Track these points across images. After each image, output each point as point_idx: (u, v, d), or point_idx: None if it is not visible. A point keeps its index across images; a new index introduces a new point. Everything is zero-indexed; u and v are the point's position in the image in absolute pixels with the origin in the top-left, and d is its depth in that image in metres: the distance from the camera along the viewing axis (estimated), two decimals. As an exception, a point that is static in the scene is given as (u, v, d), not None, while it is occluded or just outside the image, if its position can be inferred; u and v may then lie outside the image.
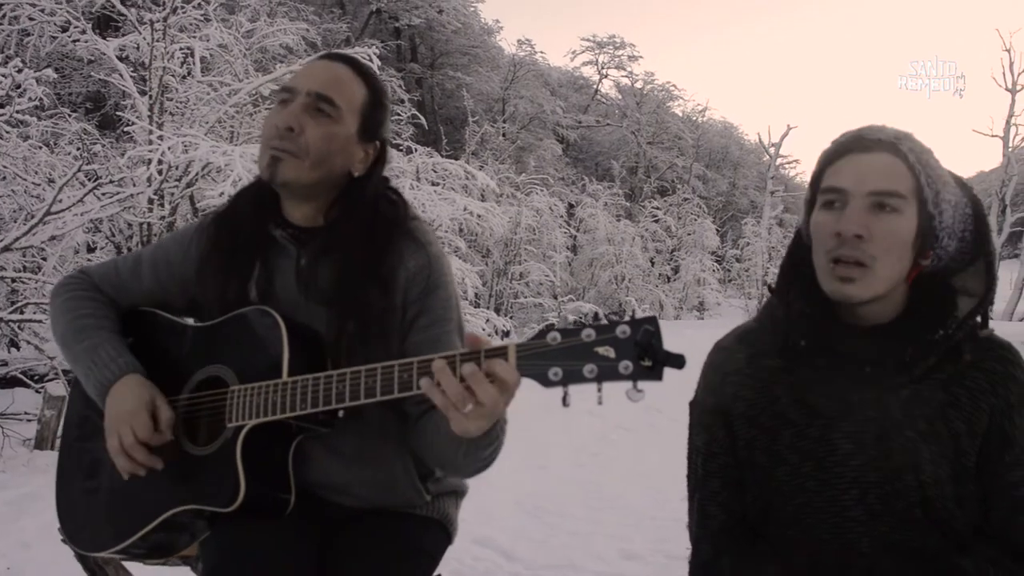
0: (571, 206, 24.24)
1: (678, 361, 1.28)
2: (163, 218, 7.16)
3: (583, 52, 40.44)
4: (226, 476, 1.59)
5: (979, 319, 1.54)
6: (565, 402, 1.30)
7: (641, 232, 24.95)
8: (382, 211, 1.81)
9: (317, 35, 17.97)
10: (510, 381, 1.33)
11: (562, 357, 1.30)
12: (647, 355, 1.26)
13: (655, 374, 1.26)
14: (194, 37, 8.59)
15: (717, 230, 30.32)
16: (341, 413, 1.57)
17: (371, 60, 7.48)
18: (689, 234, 27.88)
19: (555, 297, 18.73)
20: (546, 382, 1.30)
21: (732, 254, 31.84)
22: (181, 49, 8.62)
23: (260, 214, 1.82)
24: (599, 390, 1.29)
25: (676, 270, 27.42)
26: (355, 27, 28.76)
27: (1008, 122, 21.11)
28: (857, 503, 1.53)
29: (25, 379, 6.90)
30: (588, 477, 5.85)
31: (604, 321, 1.31)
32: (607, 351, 1.28)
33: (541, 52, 38.86)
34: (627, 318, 1.30)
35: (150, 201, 6.92)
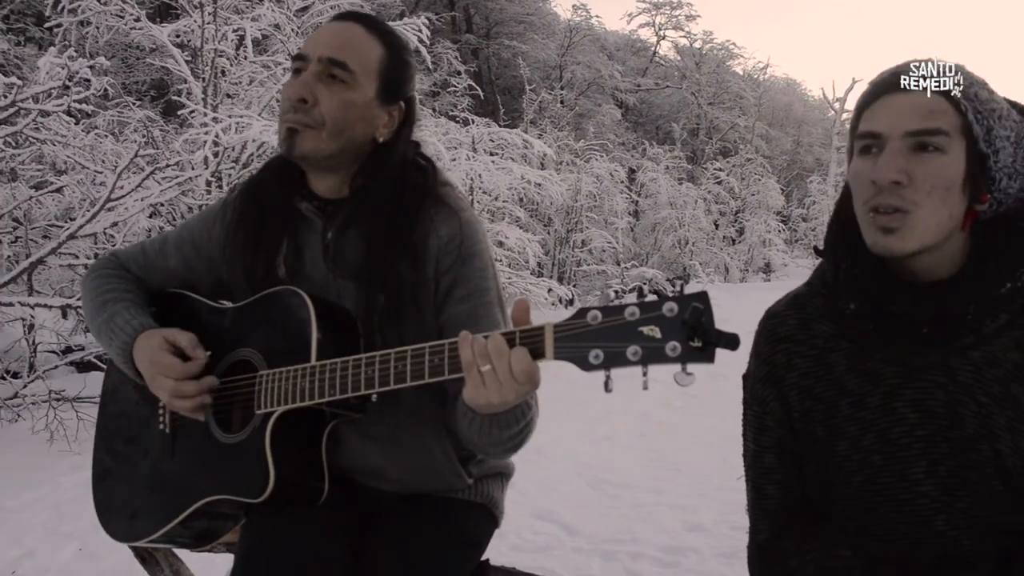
0: (632, 171, 23.94)
1: (732, 341, 1.17)
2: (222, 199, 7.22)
3: (639, 14, 39.62)
4: (255, 465, 1.54)
5: None
6: (607, 387, 1.21)
7: (704, 194, 24.48)
8: (410, 177, 1.72)
9: (372, 9, 17.94)
10: (524, 372, 1.27)
11: (603, 338, 1.21)
12: (697, 335, 1.15)
13: (706, 356, 1.16)
14: (246, 18, 8.61)
15: (782, 189, 29.64)
16: (374, 397, 1.50)
17: (420, 31, 7.40)
18: (753, 195, 27.27)
19: (618, 264, 18.53)
20: (586, 365, 1.22)
21: (798, 214, 31.15)
22: (234, 31, 8.66)
23: (285, 187, 1.75)
24: (644, 374, 1.19)
25: (741, 232, 26.91)
26: (409, 0, 28.66)
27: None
28: (927, 476, 1.40)
29: (99, 363, 7.06)
30: (651, 446, 5.76)
31: (649, 297, 1.23)
32: (652, 331, 1.18)
33: (597, 16, 38.44)
34: (674, 293, 1.20)
35: (208, 183, 6.98)
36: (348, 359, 1.48)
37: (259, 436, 1.57)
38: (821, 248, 1.55)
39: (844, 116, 28.88)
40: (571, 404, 6.19)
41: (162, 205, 7.23)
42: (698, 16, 39.50)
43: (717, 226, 25.07)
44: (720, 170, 27.38)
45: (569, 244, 17.88)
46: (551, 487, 4.57)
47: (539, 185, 12.23)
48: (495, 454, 1.62)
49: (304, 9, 10.55)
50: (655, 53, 40.90)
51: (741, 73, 41.46)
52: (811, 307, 1.54)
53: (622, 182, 20.82)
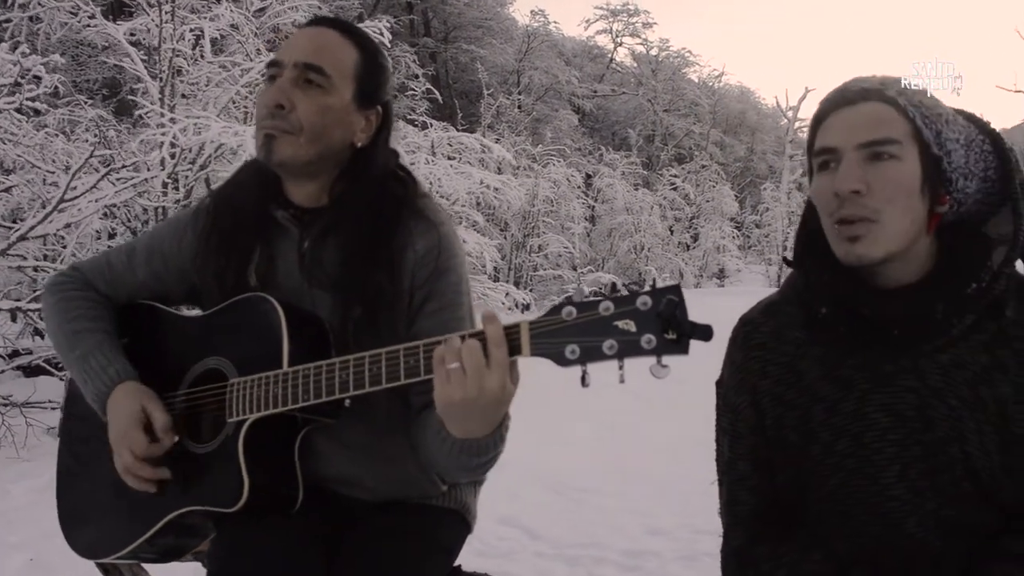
0: (588, 176, 24.07)
1: (705, 332, 1.18)
2: (178, 202, 7.09)
3: (597, 20, 40.08)
4: (229, 474, 1.51)
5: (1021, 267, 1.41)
6: (584, 382, 1.20)
7: (659, 200, 24.74)
8: (390, 188, 1.70)
9: (329, 12, 17.82)
10: (496, 339, 1.24)
11: (579, 333, 1.20)
12: (671, 327, 1.15)
13: (681, 347, 1.16)
14: (204, 18, 8.49)
15: (736, 196, 30.04)
16: (347, 402, 1.48)
17: (381, 34, 7.36)
18: (708, 201, 27.64)
19: (574, 269, 18.62)
20: (563, 361, 1.20)
21: (752, 220, 31.58)
22: (191, 31, 8.54)
23: (261, 194, 1.71)
24: (621, 367, 1.19)
25: (695, 238, 27.22)
26: (367, 2, 28.55)
27: (1032, 76, 20.65)
28: (899, 480, 1.41)
29: (48, 367, 6.90)
30: (611, 451, 5.77)
31: (623, 292, 1.22)
32: (627, 324, 1.18)
33: (555, 22, 38.59)
34: (648, 288, 1.19)
35: (164, 185, 6.86)
36: (321, 363, 1.45)
37: (232, 444, 1.53)
38: (791, 259, 1.57)
39: (797, 124, 29.36)
40: (530, 410, 6.16)
41: (116, 207, 7.09)
42: (655, 24, 40.02)
43: (672, 232, 25.33)
44: (676, 176, 27.70)
45: (526, 249, 17.92)
46: (514, 492, 4.55)
47: (497, 190, 12.23)
48: (454, 477, 1.62)
49: (262, 10, 10.45)
50: (612, 59, 41.33)
51: (696, 80, 42.11)
52: (784, 315, 1.55)
53: (579, 187, 20.92)
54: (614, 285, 1.24)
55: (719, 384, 1.64)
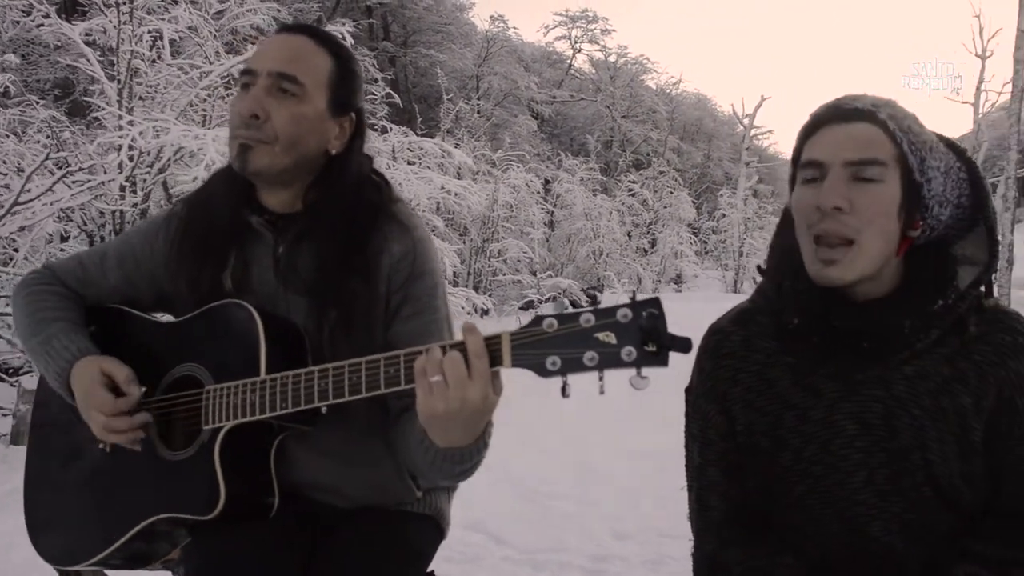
0: (547, 182, 24.12)
1: (684, 345, 1.21)
2: (135, 205, 6.98)
3: (556, 27, 40.31)
4: (205, 482, 1.51)
5: (983, 288, 1.47)
6: (565, 392, 1.22)
7: (618, 206, 24.88)
8: (365, 193, 1.71)
9: (288, 15, 17.71)
10: (477, 351, 1.24)
11: (560, 345, 1.22)
12: (651, 340, 1.18)
13: (660, 359, 1.19)
14: (162, 19, 8.38)
15: (693, 202, 30.33)
16: (324, 409, 1.48)
17: (344, 38, 7.34)
18: (666, 207, 27.85)
19: (534, 274, 18.60)
20: (544, 372, 1.22)
21: (708, 226, 31.88)
22: (149, 32, 8.42)
23: (234, 200, 1.71)
24: (600, 379, 1.21)
25: (653, 243, 27.41)
26: (326, 6, 28.38)
27: (978, 88, 21.07)
28: (865, 485, 1.47)
29: (0, 373, 6.76)
30: (578, 457, 5.80)
31: (602, 304, 1.24)
32: (608, 337, 1.20)
33: (514, 28, 38.72)
34: (628, 300, 1.22)
35: (122, 188, 6.74)
36: (300, 371, 1.46)
37: (207, 452, 1.53)
38: (763, 267, 1.61)
39: (753, 132, 29.72)
40: (497, 415, 6.16)
41: (72, 210, 6.96)
42: (613, 30, 40.32)
43: (630, 237, 25.48)
44: (633, 182, 27.88)
45: (485, 254, 17.88)
46: (480, 498, 4.54)
47: (458, 195, 12.22)
48: (434, 481, 1.63)
49: (221, 12, 10.34)
50: (570, 66, 41.51)
51: (654, 87, 42.45)
52: (754, 324, 1.59)
53: (538, 193, 20.95)
54: (594, 298, 1.28)
55: (688, 391, 1.67)
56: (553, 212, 23.14)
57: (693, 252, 27.39)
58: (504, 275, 18.25)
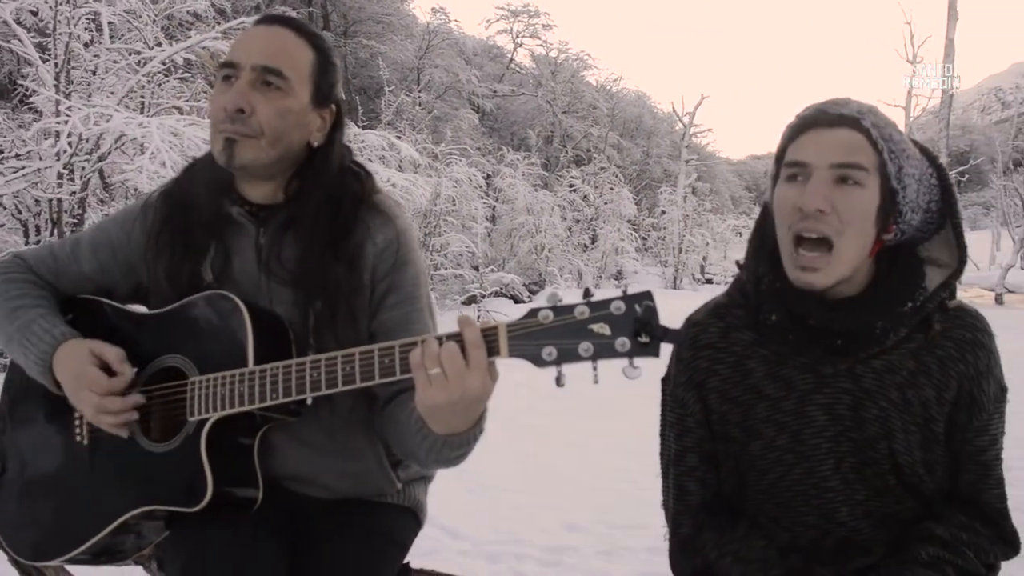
0: (488, 176, 24.14)
1: (676, 336, 1.25)
2: (73, 193, 6.78)
3: (498, 20, 40.29)
4: (191, 474, 1.50)
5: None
6: (559, 382, 1.25)
7: (560, 202, 25.02)
8: (347, 184, 1.71)
9: (226, 1, 17.37)
10: (474, 341, 1.27)
11: (555, 336, 1.25)
12: (644, 331, 1.22)
13: (652, 350, 1.22)
14: (99, 1, 8.15)
15: (632, 199, 30.62)
16: (310, 400, 1.48)
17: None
18: (606, 203, 28.09)
19: (476, 268, 18.65)
20: (539, 362, 1.25)
21: (649, 222, 32.23)
22: (86, 15, 8.18)
23: (214, 191, 1.69)
24: (595, 368, 1.25)
25: (594, 239, 27.63)
26: (264, -6, 27.93)
27: (909, 93, 21.77)
28: (833, 473, 1.56)
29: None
30: (523, 449, 5.84)
31: (596, 297, 1.26)
32: (602, 328, 1.24)
33: (455, 20, 38.59)
34: (620, 294, 1.25)
35: (59, 176, 6.55)
36: (291, 362, 1.45)
37: (193, 443, 1.52)
38: (742, 263, 1.66)
39: (692, 130, 30.11)
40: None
41: (3, 197, 6.72)
42: (555, 26, 40.26)
43: (571, 232, 25.62)
44: (575, 178, 28.04)
45: (427, 248, 17.85)
46: (431, 493, 4.54)
47: (404, 189, 12.17)
48: (430, 467, 1.63)
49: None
50: (512, 60, 41.51)
51: (595, 84, 42.67)
52: (731, 316, 1.65)
53: (480, 187, 20.96)
54: (587, 291, 1.29)
55: (665, 381, 1.72)
56: (495, 207, 23.18)
57: (633, 248, 27.65)
58: (446, 269, 18.23)
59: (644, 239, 31.56)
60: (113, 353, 1.57)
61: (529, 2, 39.73)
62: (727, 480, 1.66)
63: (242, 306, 1.55)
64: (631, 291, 1.25)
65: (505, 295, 18.32)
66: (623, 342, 1.22)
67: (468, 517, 4.30)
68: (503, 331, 1.27)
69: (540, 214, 22.39)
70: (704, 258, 30.44)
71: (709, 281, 28.20)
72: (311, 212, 1.65)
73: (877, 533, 1.56)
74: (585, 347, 1.23)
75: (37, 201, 6.74)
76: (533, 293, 19.61)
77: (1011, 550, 1.56)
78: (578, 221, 26.71)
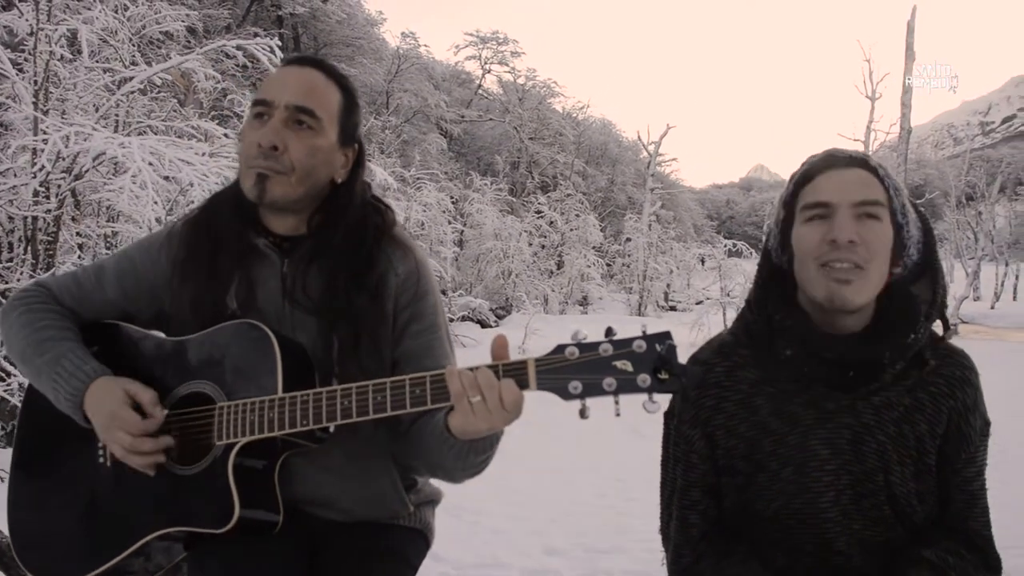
0: (455, 201, 24.21)
1: (694, 375, 1.36)
2: (49, 211, 6.73)
3: (467, 47, 40.44)
4: (218, 496, 1.55)
5: (941, 325, 1.66)
6: (583, 415, 1.34)
7: (528, 228, 25.16)
8: (369, 218, 1.79)
9: (198, 20, 17.32)
10: (514, 401, 1.38)
11: (581, 371, 1.34)
12: (664, 368, 1.32)
13: (672, 386, 1.32)
14: (77, 18, 8.12)
15: (598, 225, 30.80)
16: (332, 428, 1.55)
17: (272, 52, 7.28)
18: (573, 230, 28.26)
19: (444, 293, 18.68)
20: (566, 395, 1.34)
21: (614, 249, 32.43)
22: (64, 34, 8.14)
23: (238, 222, 1.76)
24: (617, 402, 1.34)
25: (560, 265, 27.76)
26: (236, 14, 27.92)
27: (868, 128, 22.27)
28: (833, 504, 1.64)
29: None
30: (500, 474, 5.85)
31: (619, 336, 1.36)
32: (624, 364, 1.33)
33: (425, 45, 38.50)
34: (641, 333, 1.35)
35: (35, 193, 6.51)
36: (321, 390, 1.52)
37: (221, 467, 1.57)
38: (750, 301, 1.75)
39: (658, 158, 30.42)
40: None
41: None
42: (523, 53, 40.42)
43: (537, 258, 25.74)
44: (542, 204, 28.18)
45: (396, 271, 17.80)
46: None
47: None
48: (459, 478, 1.70)
49: (130, 17, 10.07)
50: (480, 86, 41.68)
51: (561, 111, 42.91)
52: (736, 356, 1.73)
53: (448, 211, 21.04)
54: (609, 329, 1.39)
55: (668, 416, 1.80)
56: (463, 231, 23.24)
57: (599, 275, 27.82)
58: (414, 293, 18.16)
59: (609, 266, 31.75)
60: (148, 396, 1.62)
61: (498, 29, 40.05)
62: (731, 510, 1.73)
63: (272, 335, 1.60)
64: (650, 331, 1.35)
65: (472, 319, 18.34)
66: (644, 378, 1.32)
67: (448, 541, 4.31)
68: (532, 366, 1.36)
69: (508, 239, 22.49)
70: (668, 285, 30.66)
71: (673, 308, 28.38)
72: (335, 244, 1.72)
73: (870, 560, 1.65)
74: (609, 382, 1.33)
75: (11, 218, 6.70)
76: (500, 318, 19.67)
77: (994, 575, 1.66)
78: (544, 247, 26.85)
